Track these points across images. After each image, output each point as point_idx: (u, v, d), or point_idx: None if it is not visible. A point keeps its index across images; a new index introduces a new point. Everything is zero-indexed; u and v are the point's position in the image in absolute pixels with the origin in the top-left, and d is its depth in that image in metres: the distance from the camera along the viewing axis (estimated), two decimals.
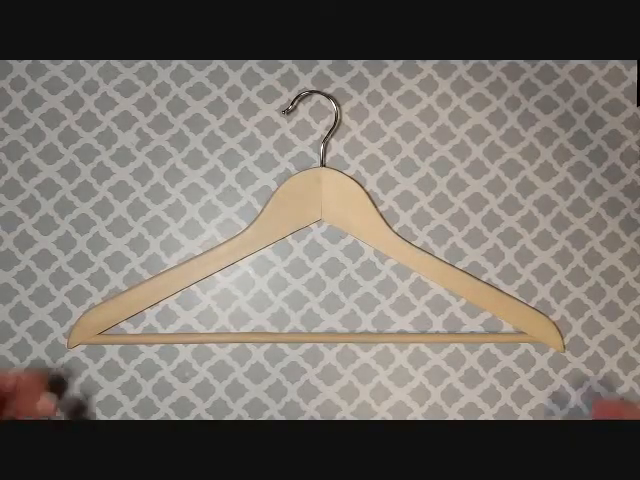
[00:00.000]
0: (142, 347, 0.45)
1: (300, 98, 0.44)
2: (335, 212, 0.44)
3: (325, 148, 0.45)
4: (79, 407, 0.44)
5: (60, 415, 0.44)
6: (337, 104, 0.44)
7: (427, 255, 0.45)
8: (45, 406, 0.40)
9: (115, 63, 0.46)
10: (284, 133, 0.46)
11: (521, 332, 0.45)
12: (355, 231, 0.45)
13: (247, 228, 0.44)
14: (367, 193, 0.45)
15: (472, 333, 0.46)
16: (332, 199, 0.44)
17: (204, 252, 0.45)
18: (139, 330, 0.45)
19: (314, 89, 0.46)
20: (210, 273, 0.44)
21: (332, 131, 0.45)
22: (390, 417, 0.45)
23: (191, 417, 0.45)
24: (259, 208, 0.45)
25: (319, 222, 0.45)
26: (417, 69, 0.47)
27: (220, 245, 0.44)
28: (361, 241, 0.45)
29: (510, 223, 0.46)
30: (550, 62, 0.47)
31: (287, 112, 0.44)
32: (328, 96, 0.45)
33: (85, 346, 0.45)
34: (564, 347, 0.46)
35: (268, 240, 0.44)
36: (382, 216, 0.45)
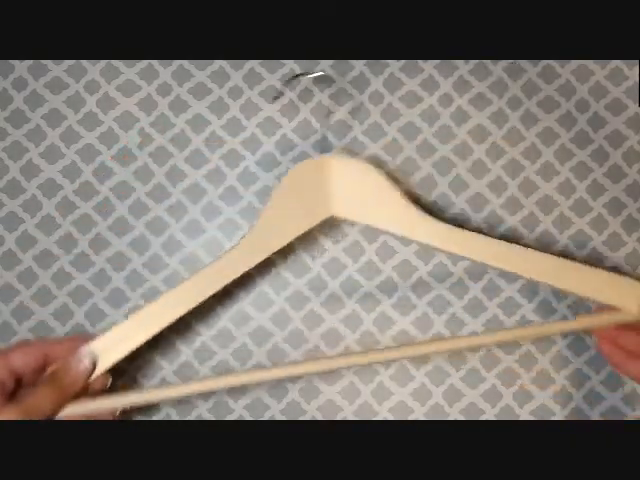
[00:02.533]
0: (143, 347, 0.44)
1: (287, 82, 0.42)
2: (349, 205, 0.40)
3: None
4: None
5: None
6: (333, 81, 0.41)
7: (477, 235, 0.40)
8: (100, 382, 0.38)
9: (116, 63, 0.46)
10: (285, 133, 0.46)
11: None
12: (374, 219, 0.40)
13: (235, 246, 0.39)
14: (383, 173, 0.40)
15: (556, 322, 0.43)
16: (344, 190, 0.40)
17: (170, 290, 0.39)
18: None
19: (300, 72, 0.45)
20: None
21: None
22: (391, 417, 0.45)
23: (192, 417, 0.45)
24: (260, 208, 0.45)
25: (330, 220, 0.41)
26: (418, 69, 0.47)
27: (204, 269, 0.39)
28: (382, 230, 0.40)
29: (511, 223, 0.46)
30: (551, 62, 0.47)
31: (275, 99, 0.42)
32: (326, 74, 0.42)
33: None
34: None
35: (267, 251, 0.39)
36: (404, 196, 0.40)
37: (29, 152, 0.46)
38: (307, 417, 0.45)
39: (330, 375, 0.45)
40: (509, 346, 0.45)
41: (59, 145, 0.46)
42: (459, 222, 0.46)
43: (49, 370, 0.37)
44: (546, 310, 0.46)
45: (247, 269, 0.39)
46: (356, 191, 0.40)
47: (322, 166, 0.40)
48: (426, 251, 0.46)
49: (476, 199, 0.46)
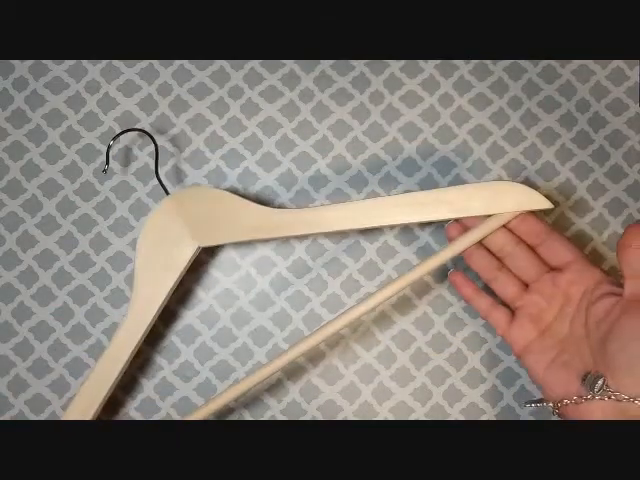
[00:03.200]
0: (142, 347, 0.44)
1: (110, 147, 0.41)
2: (211, 232, 0.40)
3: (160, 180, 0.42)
4: None
5: None
6: (154, 141, 0.41)
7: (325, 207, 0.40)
8: None
9: (117, 63, 0.46)
10: (286, 133, 0.46)
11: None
12: (239, 235, 0.40)
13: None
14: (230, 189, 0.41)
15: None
16: (201, 220, 0.40)
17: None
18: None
19: (126, 129, 0.43)
20: None
21: (157, 162, 0.42)
22: (392, 417, 0.45)
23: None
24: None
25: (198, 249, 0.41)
26: (419, 69, 0.47)
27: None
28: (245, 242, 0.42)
29: None
30: (552, 62, 0.47)
31: (105, 172, 0.41)
32: (146, 132, 0.42)
33: (87, 346, 0.45)
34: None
35: (150, 316, 0.40)
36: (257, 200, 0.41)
37: (29, 152, 0.46)
38: (307, 417, 0.45)
39: (330, 375, 0.45)
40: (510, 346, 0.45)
41: (59, 145, 0.46)
42: None
43: None
44: None
45: (139, 344, 0.41)
46: (211, 217, 0.41)
47: (173, 206, 0.40)
48: (426, 251, 0.46)
49: None
